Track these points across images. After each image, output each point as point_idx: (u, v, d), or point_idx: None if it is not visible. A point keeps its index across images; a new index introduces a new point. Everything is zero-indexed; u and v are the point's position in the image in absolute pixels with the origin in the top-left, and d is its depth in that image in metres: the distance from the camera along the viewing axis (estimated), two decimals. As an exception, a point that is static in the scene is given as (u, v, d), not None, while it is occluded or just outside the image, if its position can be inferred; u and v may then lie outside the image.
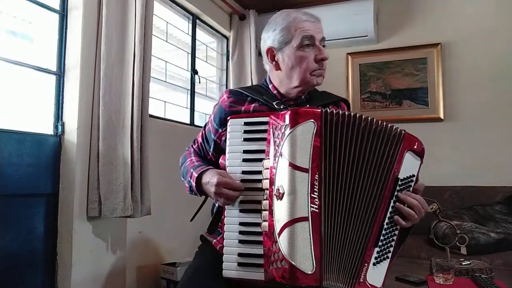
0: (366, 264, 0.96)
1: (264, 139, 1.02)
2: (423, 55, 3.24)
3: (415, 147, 1.04)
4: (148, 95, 2.16)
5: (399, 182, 1.02)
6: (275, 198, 0.96)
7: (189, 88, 2.98)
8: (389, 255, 1.00)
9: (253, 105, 1.19)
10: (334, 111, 0.98)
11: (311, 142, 0.94)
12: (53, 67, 1.94)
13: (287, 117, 0.96)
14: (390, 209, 1.01)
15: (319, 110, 0.96)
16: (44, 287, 1.84)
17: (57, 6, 1.96)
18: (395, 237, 1.02)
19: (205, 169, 1.14)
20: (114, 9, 2.00)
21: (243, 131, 1.05)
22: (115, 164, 1.95)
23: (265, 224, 0.97)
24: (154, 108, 2.52)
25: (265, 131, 1.02)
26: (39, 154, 1.83)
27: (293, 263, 0.89)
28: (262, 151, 1.01)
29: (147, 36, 2.14)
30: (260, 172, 1.01)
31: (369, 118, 1.00)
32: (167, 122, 2.65)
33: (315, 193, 0.92)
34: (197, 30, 3.10)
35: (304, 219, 0.92)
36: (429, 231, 2.26)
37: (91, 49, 1.98)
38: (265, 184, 0.99)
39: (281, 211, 0.94)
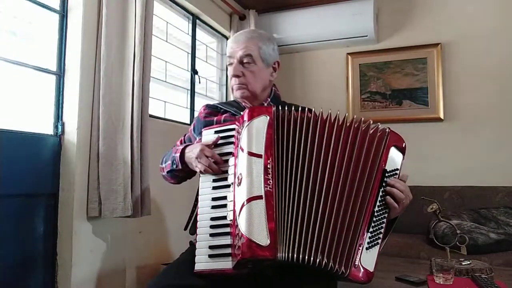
0: (360, 248, 1.05)
1: (232, 142, 1.14)
2: (423, 55, 3.24)
3: (399, 143, 1.15)
4: (148, 95, 2.16)
5: (386, 174, 1.12)
6: (236, 186, 1.06)
7: (189, 88, 2.98)
8: (379, 241, 1.08)
9: (224, 115, 1.37)
10: (287, 108, 1.12)
11: (265, 132, 1.07)
12: (53, 67, 1.94)
13: (245, 115, 1.11)
14: (379, 198, 1.10)
15: (272, 107, 1.11)
16: (44, 287, 1.84)
17: (57, 6, 1.96)
18: (383, 224, 1.11)
19: (187, 144, 1.32)
20: (114, 9, 2.00)
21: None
22: (115, 164, 1.95)
23: (231, 213, 1.06)
24: (154, 108, 2.52)
25: (233, 136, 1.15)
26: (39, 154, 1.83)
27: (250, 237, 0.97)
28: (230, 153, 1.14)
29: (147, 36, 2.14)
30: (227, 171, 1.13)
31: (341, 116, 1.11)
32: (167, 122, 2.65)
33: (268, 175, 1.03)
34: (197, 30, 3.10)
35: (259, 197, 1.01)
36: (429, 231, 2.26)
37: (91, 49, 1.98)
38: (231, 179, 1.10)
39: (240, 194, 1.03)
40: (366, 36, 3.28)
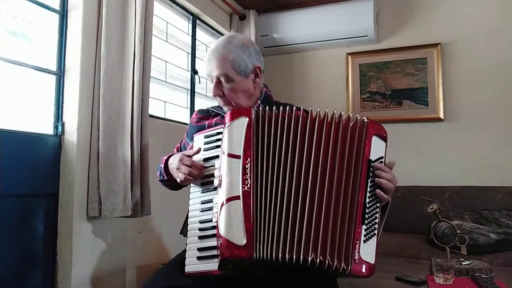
0: (357, 242, 1.03)
1: (219, 146, 1.14)
2: (423, 55, 3.24)
3: (380, 132, 1.15)
4: (148, 95, 2.16)
5: (372, 164, 1.11)
6: (219, 189, 1.07)
7: (189, 88, 2.98)
8: (375, 232, 1.08)
9: (215, 119, 1.38)
10: (267, 108, 1.12)
11: (243, 133, 1.09)
12: (53, 67, 1.94)
13: (226, 117, 1.13)
14: (369, 189, 1.09)
15: (251, 108, 1.13)
16: (44, 287, 1.84)
17: (57, 6, 1.96)
18: (377, 214, 1.10)
19: (173, 154, 1.34)
20: (114, 9, 2.00)
21: (203, 143, 1.21)
22: (115, 164, 1.95)
23: (216, 215, 1.07)
24: (154, 108, 2.52)
25: (220, 139, 1.15)
26: (39, 154, 1.83)
27: (227, 237, 0.99)
28: (217, 156, 1.14)
29: (147, 36, 2.14)
30: (214, 175, 1.14)
31: (321, 112, 1.11)
32: (167, 122, 2.65)
33: (246, 175, 1.05)
34: (197, 30, 3.10)
35: (237, 197, 1.03)
36: (429, 231, 2.26)
37: (91, 49, 1.98)
38: (216, 182, 1.11)
39: (220, 195, 1.05)
40: (366, 36, 3.28)
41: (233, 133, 1.10)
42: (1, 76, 1.72)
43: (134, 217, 2.03)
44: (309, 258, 1.00)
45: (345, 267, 1.01)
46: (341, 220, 1.05)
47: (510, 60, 3.01)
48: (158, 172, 1.40)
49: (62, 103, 1.95)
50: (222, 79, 1.30)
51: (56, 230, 1.90)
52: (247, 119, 1.10)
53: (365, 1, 3.19)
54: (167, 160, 1.33)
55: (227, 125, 1.11)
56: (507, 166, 2.93)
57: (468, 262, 1.67)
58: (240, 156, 1.06)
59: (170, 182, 1.37)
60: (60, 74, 1.95)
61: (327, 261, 1.00)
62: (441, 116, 3.15)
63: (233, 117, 1.11)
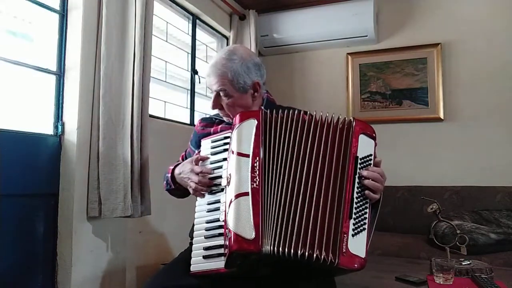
0: (345, 235, 1.06)
1: (227, 149, 1.20)
2: (423, 55, 3.24)
3: (367, 130, 1.18)
4: (148, 95, 2.16)
5: (359, 161, 1.14)
6: (227, 187, 1.12)
7: (189, 88, 2.98)
8: (365, 226, 1.09)
9: (220, 126, 1.43)
10: (275, 111, 1.18)
11: (253, 134, 1.14)
12: (53, 67, 1.94)
13: (236, 119, 1.18)
14: (356, 185, 1.12)
15: (260, 111, 1.19)
16: (44, 287, 1.84)
17: (57, 6, 1.96)
18: (367, 210, 1.12)
19: (179, 163, 1.38)
20: (114, 9, 2.00)
21: (211, 147, 1.26)
22: (115, 164, 1.95)
23: (223, 214, 1.11)
24: (154, 108, 2.52)
25: (228, 143, 1.20)
26: (39, 154, 1.83)
27: (236, 231, 1.03)
28: (225, 159, 1.19)
29: (147, 36, 2.14)
30: (221, 176, 1.19)
31: (317, 115, 1.18)
32: (167, 122, 2.65)
33: (255, 173, 1.09)
34: (197, 30, 3.10)
35: (245, 194, 1.07)
36: (429, 231, 2.26)
37: (91, 49, 1.98)
38: (224, 182, 1.16)
39: (229, 192, 1.09)
40: (366, 36, 3.28)
41: (243, 134, 1.15)
42: (1, 76, 1.72)
43: (134, 217, 2.03)
44: (299, 252, 1.02)
45: (332, 259, 1.03)
46: (329, 214, 1.08)
47: (510, 60, 3.01)
48: (165, 182, 1.44)
49: (62, 103, 1.95)
50: (221, 93, 1.34)
51: (56, 230, 1.90)
52: (256, 121, 1.16)
53: (365, 1, 3.20)
54: (173, 170, 1.37)
55: (236, 126, 1.16)
56: (507, 166, 2.93)
57: (468, 262, 1.67)
58: (249, 155, 1.11)
59: (177, 191, 1.42)
60: (60, 74, 1.95)
61: (315, 254, 1.02)
62: (441, 116, 3.16)
63: (242, 119, 1.17)
